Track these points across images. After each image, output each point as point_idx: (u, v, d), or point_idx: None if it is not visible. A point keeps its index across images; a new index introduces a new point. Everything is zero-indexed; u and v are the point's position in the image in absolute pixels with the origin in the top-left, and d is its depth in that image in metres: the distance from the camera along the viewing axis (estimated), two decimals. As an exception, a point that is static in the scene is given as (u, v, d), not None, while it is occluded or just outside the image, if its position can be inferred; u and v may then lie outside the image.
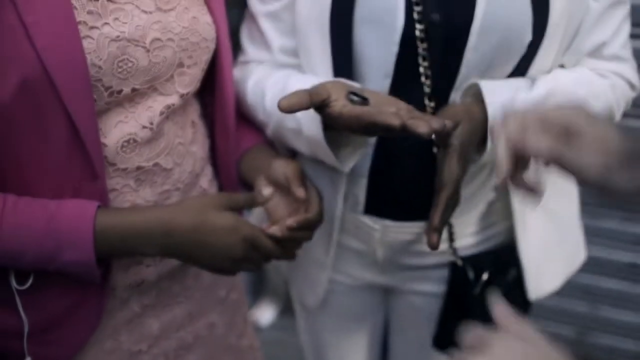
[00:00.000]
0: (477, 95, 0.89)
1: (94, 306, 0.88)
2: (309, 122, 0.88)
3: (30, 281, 0.84)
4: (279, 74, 0.98)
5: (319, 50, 0.92)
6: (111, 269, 0.87)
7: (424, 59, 0.88)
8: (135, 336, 0.95)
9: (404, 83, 0.90)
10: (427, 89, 0.90)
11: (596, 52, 0.95)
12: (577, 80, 0.93)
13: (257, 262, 0.90)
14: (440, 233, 0.84)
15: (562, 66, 0.95)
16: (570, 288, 1.96)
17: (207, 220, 0.85)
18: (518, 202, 1.00)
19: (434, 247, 0.82)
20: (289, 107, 0.76)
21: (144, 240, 0.82)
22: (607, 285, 1.98)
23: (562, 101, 0.61)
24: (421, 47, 0.87)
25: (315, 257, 1.11)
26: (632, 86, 0.98)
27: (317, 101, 0.78)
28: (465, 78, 0.89)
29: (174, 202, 0.91)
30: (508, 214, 1.03)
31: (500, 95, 0.87)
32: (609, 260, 1.87)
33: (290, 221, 0.88)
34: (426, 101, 0.90)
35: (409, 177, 0.96)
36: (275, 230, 0.89)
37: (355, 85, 0.86)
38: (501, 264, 1.04)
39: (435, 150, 0.92)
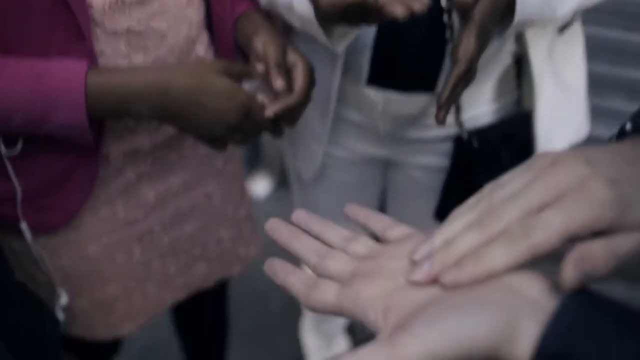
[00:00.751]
0: None
1: (88, 173, 0.87)
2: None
3: (19, 146, 0.82)
4: None
5: None
6: (104, 136, 0.85)
7: None
8: (131, 205, 0.95)
9: None
10: None
11: None
12: None
13: (249, 132, 0.88)
14: (448, 110, 0.81)
15: None
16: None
17: (206, 82, 0.81)
18: (537, 68, 0.97)
19: (441, 123, 0.79)
20: None
21: (139, 99, 0.79)
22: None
23: None
24: None
25: (311, 129, 1.08)
26: None
27: None
28: None
29: (171, 63, 0.87)
30: (518, 84, 1.01)
31: None
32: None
33: (269, 111, 0.85)
34: None
35: (416, 46, 0.92)
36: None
37: None
38: (508, 135, 1.02)
39: (445, 18, 0.87)
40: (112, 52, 0.81)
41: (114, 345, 1.18)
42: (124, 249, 0.98)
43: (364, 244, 0.48)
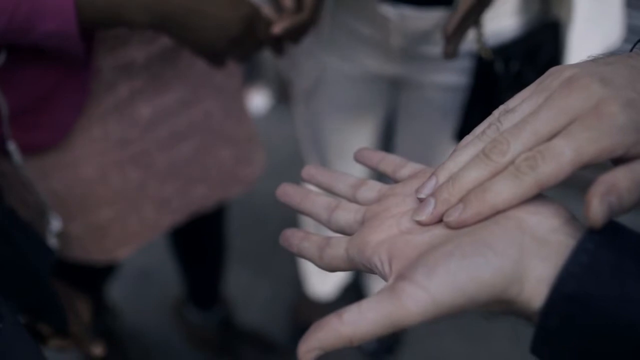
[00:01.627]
0: None
1: (78, 87, 0.81)
2: None
3: (3, 57, 0.75)
4: None
5: None
6: (95, 48, 0.78)
7: None
8: (125, 122, 0.89)
9: None
10: None
11: None
12: None
13: (250, 47, 0.80)
14: (458, 42, 0.74)
15: None
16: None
17: None
18: None
19: (449, 57, 0.73)
20: None
21: (134, 4, 0.70)
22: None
23: None
24: None
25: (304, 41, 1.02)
26: None
27: None
28: None
29: None
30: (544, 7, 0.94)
31: None
32: None
33: (277, 28, 0.78)
34: None
35: None
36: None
37: None
38: (533, 50, 0.95)
39: None
40: None
41: (110, 269, 1.14)
42: (118, 170, 0.93)
43: (372, 188, 0.46)
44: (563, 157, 0.35)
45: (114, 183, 0.93)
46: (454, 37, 0.73)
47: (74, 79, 0.80)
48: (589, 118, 0.35)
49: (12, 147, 0.82)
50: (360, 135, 1.23)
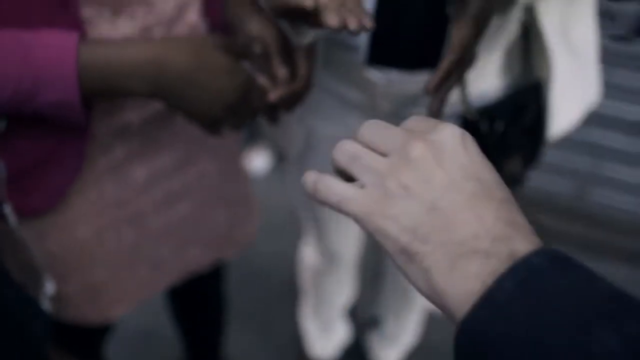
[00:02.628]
0: None
1: (75, 152, 0.83)
2: None
3: (4, 124, 0.78)
4: None
5: None
6: (92, 112, 0.80)
7: None
8: (121, 185, 0.91)
9: None
10: None
11: None
12: None
13: (244, 114, 0.83)
14: (442, 101, 0.76)
15: None
16: (574, 144, 1.94)
17: (205, 58, 0.77)
18: (550, 34, 0.92)
19: (434, 115, 0.75)
20: None
21: (134, 75, 0.74)
22: (613, 141, 1.94)
23: None
24: None
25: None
26: None
27: None
28: None
29: (166, 37, 0.82)
30: (526, 54, 0.97)
31: None
32: (616, 117, 1.82)
33: (272, 96, 0.80)
34: None
35: (416, 22, 0.86)
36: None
37: None
38: (517, 111, 0.97)
39: None
40: (97, 19, 0.76)
41: (106, 330, 1.15)
42: (113, 231, 0.94)
43: None
44: None
45: (109, 243, 0.94)
46: (436, 95, 0.75)
47: (70, 144, 0.82)
48: None
49: (7, 210, 0.84)
50: None
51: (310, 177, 0.47)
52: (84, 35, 0.75)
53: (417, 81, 0.93)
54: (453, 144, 0.42)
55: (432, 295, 0.39)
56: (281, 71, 0.81)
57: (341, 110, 1.06)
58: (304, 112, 1.05)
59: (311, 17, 0.66)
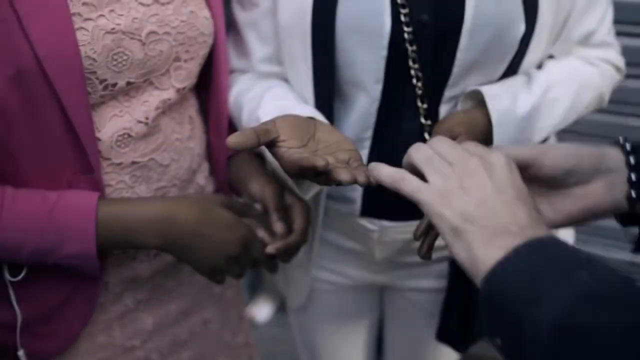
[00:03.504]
0: (478, 101, 0.89)
1: (87, 300, 0.88)
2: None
3: (23, 273, 0.83)
4: (257, 88, 0.96)
5: (301, 57, 0.91)
6: (105, 262, 0.87)
7: (414, 61, 0.87)
8: (129, 331, 0.95)
9: (395, 86, 0.89)
10: (419, 91, 0.89)
11: (585, 41, 0.97)
12: (570, 73, 0.95)
13: (245, 264, 0.91)
14: (430, 244, 0.83)
15: (551, 57, 0.96)
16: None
17: (211, 213, 0.85)
18: None
19: (424, 257, 0.81)
20: (237, 145, 0.73)
21: (147, 230, 0.82)
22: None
23: None
24: (411, 50, 0.86)
25: (298, 259, 1.10)
26: (618, 70, 1.03)
27: (265, 140, 0.75)
28: (458, 77, 0.88)
29: (176, 196, 0.91)
30: None
31: (502, 99, 0.88)
32: (609, 259, 1.87)
33: (270, 249, 0.89)
34: (418, 103, 0.90)
35: None
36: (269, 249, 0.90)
37: (323, 120, 0.85)
38: None
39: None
40: (117, 184, 0.85)
41: None
42: (120, 377, 0.96)
43: None
44: None
45: (115, 389, 0.96)
46: (424, 241, 0.82)
47: (83, 293, 0.88)
48: None
49: (21, 355, 0.87)
50: (353, 342, 1.27)
51: (388, 170, 0.63)
52: (104, 195, 0.83)
53: (408, 228, 1.00)
54: (500, 163, 0.58)
55: (470, 264, 0.54)
56: (279, 226, 0.90)
57: (342, 260, 1.12)
58: (308, 263, 1.11)
59: (322, 175, 0.74)
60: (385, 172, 0.63)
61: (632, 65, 1.26)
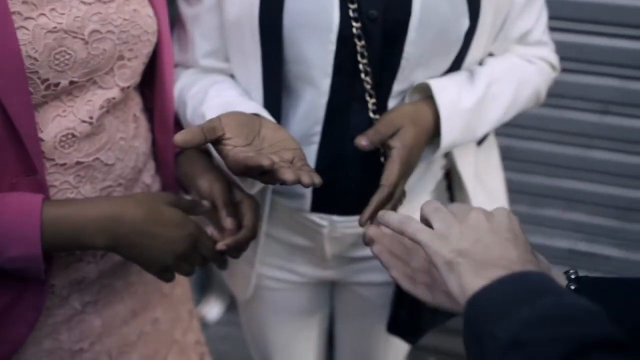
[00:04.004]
0: (425, 95, 0.91)
1: (32, 304, 0.86)
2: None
3: None
4: (201, 83, 0.96)
5: (249, 52, 0.92)
6: (51, 265, 0.85)
7: (363, 56, 0.88)
8: (76, 334, 0.93)
9: (344, 81, 0.91)
10: (367, 86, 0.90)
11: (522, 39, 1.01)
12: (510, 69, 0.99)
13: (194, 262, 0.91)
14: (368, 214, 0.85)
15: (490, 54, 1.00)
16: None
17: (157, 212, 0.85)
18: (467, 178, 1.05)
19: (367, 244, 0.83)
20: (184, 143, 0.75)
21: (93, 230, 0.81)
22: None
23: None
24: (359, 45, 0.87)
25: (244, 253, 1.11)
26: (553, 68, 1.08)
27: (211, 138, 0.77)
28: (406, 72, 0.90)
29: (122, 195, 0.90)
30: (450, 195, 1.09)
31: (449, 93, 0.90)
32: (549, 247, 1.93)
33: (220, 245, 0.90)
34: (367, 97, 0.91)
35: (355, 170, 0.97)
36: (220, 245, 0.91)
37: (268, 117, 0.86)
38: None
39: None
40: (61, 184, 0.83)
41: None
42: (68, 381, 0.95)
43: None
44: None
45: (63, 394, 0.94)
46: (363, 225, 0.84)
47: (29, 298, 0.85)
48: None
49: None
50: (304, 338, 1.28)
51: (396, 216, 0.70)
52: (48, 197, 0.82)
53: (357, 224, 1.01)
54: (500, 212, 0.65)
55: (459, 292, 0.59)
56: (229, 222, 0.91)
57: (289, 257, 1.13)
58: (255, 258, 1.11)
59: (267, 174, 0.76)
60: (393, 217, 0.70)
61: (567, 59, 1.34)
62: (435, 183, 1.06)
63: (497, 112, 0.96)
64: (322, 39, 0.87)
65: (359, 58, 0.88)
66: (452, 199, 1.10)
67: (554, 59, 1.08)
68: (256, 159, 0.73)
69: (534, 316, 0.51)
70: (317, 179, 0.77)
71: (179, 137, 0.75)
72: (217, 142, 0.78)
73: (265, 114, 0.87)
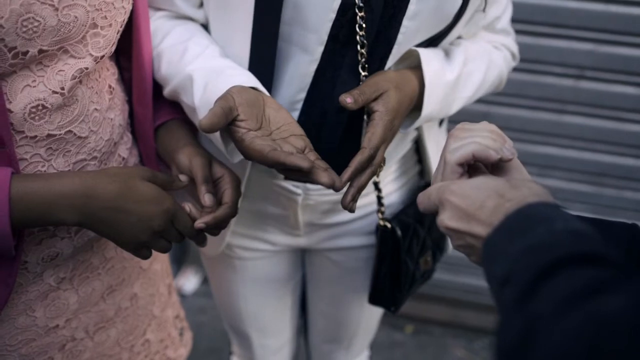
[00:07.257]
0: (412, 63, 0.92)
1: (4, 281, 0.84)
2: (204, 110, 0.85)
3: None
4: (176, 34, 0.94)
5: (237, 4, 0.88)
6: (22, 241, 0.83)
7: (361, 27, 0.86)
8: (52, 311, 0.91)
9: (338, 50, 0.89)
10: (361, 58, 0.89)
11: (490, 26, 1.05)
12: (481, 51, 1.03)
13: (171, 238, 0.88)
14: (353, 196, 0.84)
15: (459, 37, 1.02)
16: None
17: (132, 187, 0.82)
18: (431, 148, 1.09)
19: (347, 208, 0.83)
20: (211, 127, 0.75)
21: (64, 206, 0.78)
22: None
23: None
24: (359, 15, 0.85)
25: None
26: (514, 56, 1.14)
27: (230, 119, 0.78)
28: (401, 46, 0.89)
29: (95, 170, 0.87)
30: (418, 159, 1.13)
31: (434, 65, 0.91)
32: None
33: (199, 224, 0.88)
34: (360, 70, 0.89)
35: (334, 137, 0.95)
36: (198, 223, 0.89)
37: (266, 93, 0.86)
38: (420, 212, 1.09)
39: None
40: (31, 157, 0.80)
41: None
42: (44, 357, 0.93)
43: None
44: None
45: (39, 371, 0.93)
46: (348, 191, 0.84)
47: (0, 273, 0.83)
48: None
49: None
50: (277, 306, 1.28)
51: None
52: (18, 171, 0.79)
53: (331, 193, 1.00)
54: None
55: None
56: (207, 198, 0.89)
57: (260, 226, 1.12)
58: (224, 231, 1.10)
59: (295, 171, 0.78)
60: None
61: (542, 24, 1.32)
62: (406, 150, 1.09)
63: (470, 89, 0.99)
64: (324, 5, 0.84)
65: (357, 29, 0.86)
66: (420, 161, 1.14)
67: (515, 49, 1.13)
68: (295, 160, 0.76)
69: (522, 249, 0.53)
70: (339, 182, 0.80)
71: (206, 122, 0.75)
72: (231, 123, 0.78)
73: (261, 87, 0.86)
